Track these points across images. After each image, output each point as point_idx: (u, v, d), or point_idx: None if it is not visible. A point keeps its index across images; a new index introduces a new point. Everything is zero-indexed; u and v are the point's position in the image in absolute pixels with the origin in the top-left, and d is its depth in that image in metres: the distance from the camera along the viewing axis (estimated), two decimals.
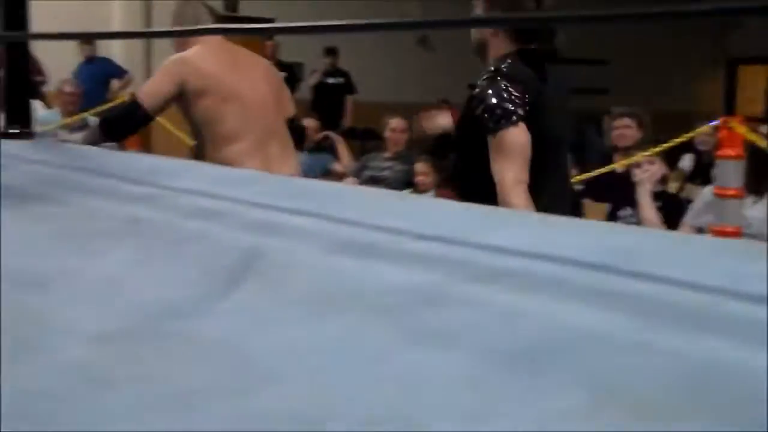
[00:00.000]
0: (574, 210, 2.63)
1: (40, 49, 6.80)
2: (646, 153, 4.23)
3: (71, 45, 8.31)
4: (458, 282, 0.88)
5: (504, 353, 0.68)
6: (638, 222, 3.91)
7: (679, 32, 11.74)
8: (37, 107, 5.63)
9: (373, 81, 9.92)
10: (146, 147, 9.21)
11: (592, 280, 0.87)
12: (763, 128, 4.90)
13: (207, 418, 0.57)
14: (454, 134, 2.61)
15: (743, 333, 0.69)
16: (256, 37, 9.54)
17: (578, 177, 4.62)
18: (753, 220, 3.83)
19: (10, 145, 2.16)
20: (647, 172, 3.98)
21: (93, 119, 5.54)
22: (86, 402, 0.58)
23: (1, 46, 2.55)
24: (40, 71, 7.35)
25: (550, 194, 2.37)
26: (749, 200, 3.96)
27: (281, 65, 9.65)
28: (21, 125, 2.34)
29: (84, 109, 6.52)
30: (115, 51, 9.26)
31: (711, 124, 4.97)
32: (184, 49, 3.17)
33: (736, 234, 3.75)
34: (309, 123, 6.42)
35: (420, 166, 5.04)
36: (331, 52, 9.75)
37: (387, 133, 5.80)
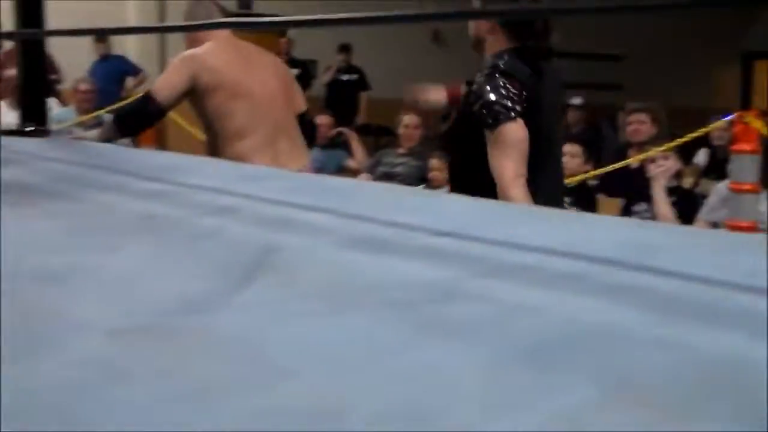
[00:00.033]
0: (563, 205, 2.69)
1: (54, 48, 6.83)
2: (661, 148, 4.22)
3: (86, 43, 8.34)
4: (473, 277, 0.88)
5: (519, 348, 0.68)
6: (653, 217, 3.90)
7: (694, 27, 11.68)
8: (53, 105, 5.65)
9: (387, 77, 9.92)
10: (161, 143, 9.23)
11: (606, 275, 0.87)
12: None
13: (223, 413, 0.57)
14: (451, 130, 2.65)
15: (758, 328, 0.69)
16: (270, 34, 9.55)
17: (593, 172, 4.61)
18: None
19: (26, 143, 2.17)
20: (661, 167, 3.97)
21: (108, 117, 5.56)
22: (103, 396, 0.59)
23: (17, 43, 2.56)
24: (55, 69, 7.38)
25: (544, 189, 2.41)
26: (764, 195, 3.95)
27: (295, 62, 9.67)
28: (37, 123, 2.35)
29: (99, 107, 6.55)
30: (129, 49, 9.29)
31: (726, 118, 4.95)
32: (195, 47, 3.19)
33: (751, 229, 3.74)
34: (323, 120, 6.43)
35: (434, 162, 5.04)
36: (344, 48, 9.75)
37: (400, 130, 5.80)
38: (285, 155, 3.15)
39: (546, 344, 0.69)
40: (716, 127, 5.62)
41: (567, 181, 4.54)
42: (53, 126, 2.97)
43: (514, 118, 2.33)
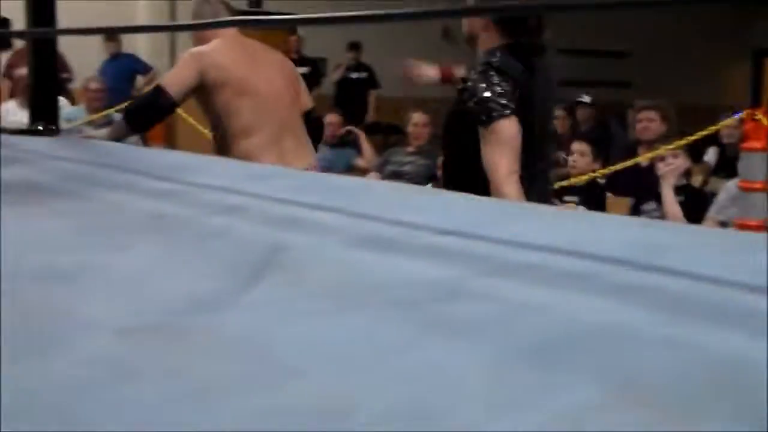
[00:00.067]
0: (551, 201, 2.75)
1: (65, 47, 6.86)
2: (670, 146, 4.21)
3: (96, 42, 8.36)
4: (479, 276, 0.88)
5: (524, 347, 0.68)
6: (662, 216, 3.89)
7: (704, 24, 11.65)
8: (63, 104, 5.67)
9: (397, 75, 9.92)
10: (170, 142, 9.25)
11: (613, 275, 0.87)
12: None
13: (231, 412, 0.57)
14: (445, 126, 2.69)
15: (767, 328, 0.69)
16: (280, 32, 9.56)
17: (602, 171, 4.60)
18: None
19: (37, 142, 2.18)
20: (670, 165, 3.96)
21: (118, 115, 5.57)
22: (112, 395, 0.59)
23: (28, 42, 2.57)
24: (66, 68, 7.40)
25: (535, 186, 2.45)
26: None
27: (304, 60, 9.67)
28: (47, 122, 2.36)
29: (109, 106, 6.56)
30: (140, 47, 9.31)
31: (735, 116, 4.94)
32: (202, 44, 3.21)
33: (761, 228, 3.73)
34: (332, 118, 6.43)
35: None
36: (354, 46, 9.75)
37: (409, 128, 5.80)
38: (291, 153, 3.17)
39: (551, 344, 0.69)
40: (726, 124, 5.60)
41: (575, 179, 4.55)
42: (63, 125, 2.98)
43: (507, 115, 2.37)
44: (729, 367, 0.64)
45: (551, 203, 2.75)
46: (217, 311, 0.79)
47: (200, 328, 0.74)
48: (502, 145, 2.37)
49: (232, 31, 3.27)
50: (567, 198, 4.48)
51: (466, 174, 2.46)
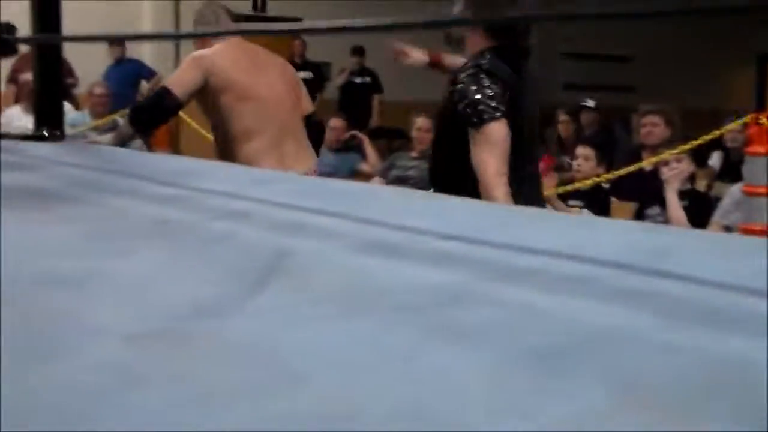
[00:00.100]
0: (541, 202, 2.81)
1: (69, 51, 6.88)
2: (674, 151, 4.21)
3: (101, 47, 8.37)
4: (483, 281, 0.88)
5: (529, 352, 0.69)
6: (666, 221, 3.89)
7: (708, 28, 11.64)
8: (67, 109, 5.69)
9: (400, 80, 9.93)
10: (174, 146, 9.27)
11: (616, 279, 0.88)
12: None
13: (236, 417, 0.58)
14: (435, 128, 2.74)
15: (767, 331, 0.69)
16: (284, 37, 9.57)
17: (606, 175, 4.60)
18: None
19: (41, 147, 2.19)
20: (674, 170, 3.96)
21: (122, 121, 5.59)
22: (117, 401, 0.60)
23: (33, 48, 2.58)
24: (71, 73, 7.42)
25: (523, 188, 2.49)
26: None
27: (308, 64, 9.68)
28: (52, 127, 2.37)
29: (113, 111, 6.57)
30: (144, 52, 9.32)
31: (739, 120, 4.93)
32: (204, 48, 3.24)
33: (765, 233, 3.72)
34: (336, 123, 6.44)
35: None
36: (358, 51, 9.76)
37: (413, 132, 5.80)
38: (291, 157, 3.19)
39: (554, 348, 0.69)
40: (730, 129, 5.60)
41: (580, 184, 4.55)
42: (68, 130, 2.99)
43: (498, 118, 2.40)
44: (730, 369, 0.64)
45: (542, 205, 2.78)
46: (222, 317, 0.79)
47: (205, 333, 0.75)
48: (492, 148, 2.41)
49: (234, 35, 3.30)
50: (571, 202, 4.48)
51: (455, 175, 2.50)
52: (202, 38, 3.35)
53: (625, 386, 0.62)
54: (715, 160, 6.56)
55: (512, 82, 2.47)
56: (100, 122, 6.40)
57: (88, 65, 7.79)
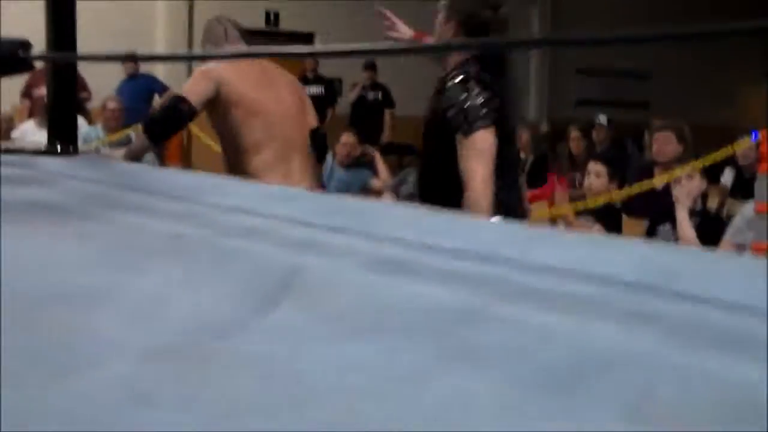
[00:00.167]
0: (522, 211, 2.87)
1: (83, 65, 6.92)
2: (686, 168, 4.20)
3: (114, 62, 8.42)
4: (497, 301, 0.88)
5: (540, 373, 0.69)
6: (677, 239, 3.88)
7: (722, 45, 11.64)
8: (80, 123, 5.72)
9: (411, 94, 9.95)
10: (186, 161, 9.30)
11: (629, 300, 0.88)
12: None
13: None
14: (423, 135, 2.78)
15: None
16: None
17: (617, 193, 4.60)
18: None
19: (55, 162, 2.20)
20: (685, 188, 3.96)
21: (135, 135, 5.61)
22: (132, 418, 0.60)
23: (47, 64, 2.59)
24: (84, 87, 7.46)
25: (507, 198, 2.53)
26: None
27: (321, 80, 9.72)
28: (65, 142, 2.38)
29: (127, 126, 6.61)
30: (157, 67, 9.38)
31: (752, 136, 4.92)
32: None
33: None
34: (347, 138, 6.45)
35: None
36: (370, 66, 9.79)
37: None
38: (297, 173, 3.22)
39: (565, 369, 0.69)
40: (742, 146, 5.59)
41: (591, 200, 4.55)
42: (81, 145, 3.01)
43: (487, 125, 2.43)
44: (741, 392, 0.64)
45: (525, 213, 2.81)
46: (234, 335, 0.80)
47: (218, 351, 0.75)
48: (481, 155, 2.45)
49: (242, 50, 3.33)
50: (583, 219, 4.48)
51: (442, 181, 2.53)
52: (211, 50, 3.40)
53: (635, 408, 0.62)
54: (727, 177, 6.54)
55: (499, 90, 2.51)
56: (113, 137, 6.43)
57: (101, 79, 7.84)
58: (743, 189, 5.81)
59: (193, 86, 3.17)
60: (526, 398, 0.65)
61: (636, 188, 4.55)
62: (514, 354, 0.74)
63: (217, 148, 3.42)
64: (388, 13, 3.03)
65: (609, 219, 4.41)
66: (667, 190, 4.22)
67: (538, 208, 5.32)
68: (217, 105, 3.14)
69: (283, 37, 10.62)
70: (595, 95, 12.34)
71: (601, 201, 4.49)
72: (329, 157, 6.29)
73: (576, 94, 12.70)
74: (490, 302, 0.88)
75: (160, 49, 9.57)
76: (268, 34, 10.37)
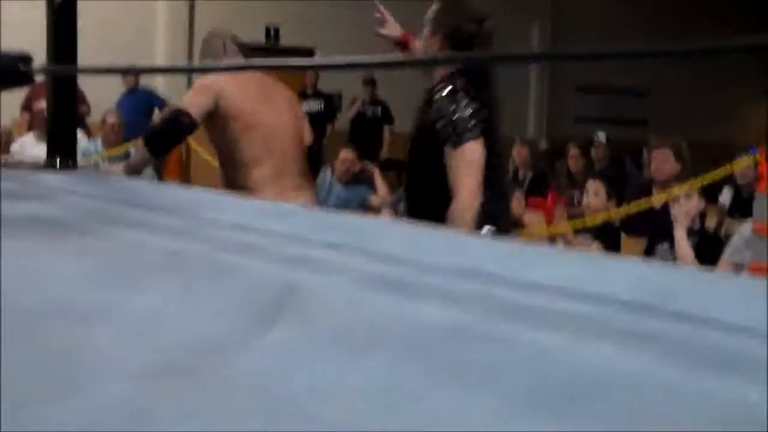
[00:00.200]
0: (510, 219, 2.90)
1: (81, 78, 6.92)
2: (684, 186, 4.21)
3: (114, 75, 8.44)
4: (493, 320, 0.88)
5: (538, 393, 0.69)
6: (675, 257, 3.88)
7: (722, 63, 11.68)
8: (79, 138, 5.72)
9: (410, 111, 9.93)
10: (185, 177, 9.30)
11: (626, 319, 0.88)
12: None
13: None
14: (409, 147, 2.83)
15: None
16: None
17: (616, 211, 4.61)
18: None
19: (54, 177, 2.20)
20: (683, 207, 3.96)
21: (134, 150, 5.62)
22: None
23: (48, 78, 2.60)
24: (83, 100, 7.47)
25: (494, 210, 2.56)
26: None
27: (320, 95, 9.73)
28: (65, 157, 2.38)
29: (126, 140, 6.60)
30: (157, 81, 9.40)
31: (750, 154, 4.93)
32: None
33: None
34: (346, 154, 6.45)
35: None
36: (369, 82, 9.79)
37: None
38: (293, 189, 3.23)
39: (561, 389, 0.69)
40: (741, 165, 5.60)
41: (590, 219, 4.56)
42: (80, 159, 3.01)
43: (476, 137, 2.45)
44: (737, 413, 0.64)
45: (511, 224, 2.87)
46: (231, 352, 0.80)
47: (215, 368, 0.75)
48: (470, 167, 2.47)
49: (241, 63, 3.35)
50: (581, 237, 4.48)
51: (430, 193, 2.55)
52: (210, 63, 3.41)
53: (628, 428, 0.62)
54: (725, 196, 6.55)
55: (486, 102, 2.54)
56: (113, 151, 6.43)
57: (100, 92, 7.84)
58: (742, 208, 5.82)
59: (193, 99, 3.17)
60: (519, 416, 0.64)
61: (634, 207, 4.55)
62: (508, 372, 0.74)
63: (215, 163, 3.42)
64: (382, 8, 3.05)
65: (607, 237, 4.42)
66: (665, 208, 4.22)
67: (534, 220, 5.30)
68: (216, 118, 3.15)
69: (284, 52, 10.65)
70: (594, 113, 12.36)
71: (599, 219, 4.50)
72: (328, 174, 6.29)
73: (575, 112, 12.72)
74: (486, 320, 0.88)
75: (160, 63, 9.59)
76: (268, 50, 10.39)
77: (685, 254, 3.83)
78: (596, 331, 0.84)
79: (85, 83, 6.73)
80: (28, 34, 2.67)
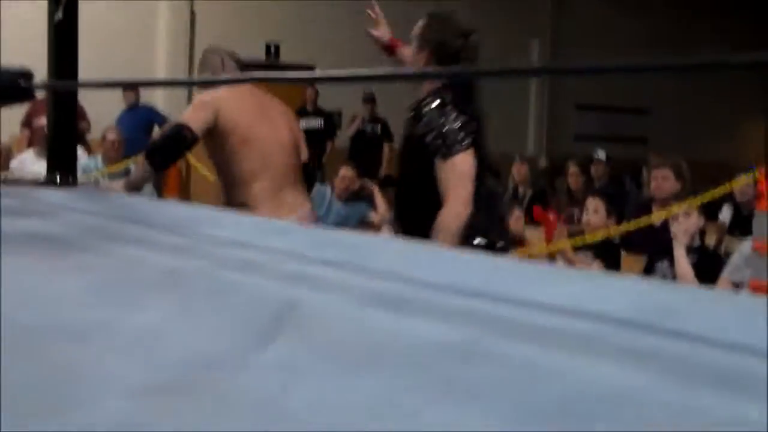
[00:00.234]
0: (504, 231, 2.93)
1: (82, 94, 6.94)
2: (684, 205, 4.21)
3: (114, 92, 8.45)
4: (491, 337, 0.88)
5: (534, 410, 0.69)
6: (675, 275, 3.88)
7: (722, 81, 11.70)
8: (79, 154, 5.72)
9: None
10: (184, 193, 9.30)
11: (623, 337, 0.87)
12: None
13: None
14: (398, 160, 2.86)
15: None
16: (297, 85, 9.64)
17: (616, 229, 4.61)
18: None
19: (54, 194, 2.20)
20: (683, 225, 3.96)
21: (134, 167, 5.62)
22: None
23: (49, 94, 2.61)
24: (83, 117, 7.47)
25: (492, 213, 2.58)
26: None
27: (320, 113, 9.74)
28: (65, 173, 2.39)
29: (126, 157, 6.60)
30: (157, 98, 9.41)
31: (749, 172, 4.93)
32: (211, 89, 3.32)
33: None
34: (346, 172, 6.45)
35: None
36: (369, 99, 9.79)
37: None
38: (289, 205, 3.24)
39: (560, 407, 0.69)
40: (740, 183, 5.60)
41: (590, 237, 4.55)
42: (80, 176, 3.01)
43: (466, 149, 2.47)
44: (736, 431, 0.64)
45: (503, 233, 2.85)
46: (231, 369, 0.80)
47: (214, 386, 0.75)
48: (460, 178, 2.49)
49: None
50: (581, 254, 4.48)
51: (420, 206, 2.57)
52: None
53: None
54: (725, 214, 6.54)
55: (475, 114, 2.56)
56: (113, 168, 6.43)
57: (100, 109, 7.85)
58: (741, 226, 5.81)
59: (192, 115, 3.18)
60: None
61: (634, 224, 4.55)
62: (507, 390, 0.74)
63: (213, 179, 3.43)
64: (377, 9, 3.06)
65: (607, 255, 4.41)
66: (665, 226, 4.22)
67: (534, 237, 5.30)
68: (215, 134, 3.16)
69: (284, 69, 10.66)
70: (594, 130, 12.38)
71: (599, 237, 4.49)
72: (327, 191, 6.29)
73: (575, 129, 12.74)
74: (485, 338, 0.88)
75: (159, 96, 9.63)
76: (268, 67, 10.40)
77: (685, 272, 3.83)
78: (596, 349, 0.84)
79: (85, 100, 6.74)
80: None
